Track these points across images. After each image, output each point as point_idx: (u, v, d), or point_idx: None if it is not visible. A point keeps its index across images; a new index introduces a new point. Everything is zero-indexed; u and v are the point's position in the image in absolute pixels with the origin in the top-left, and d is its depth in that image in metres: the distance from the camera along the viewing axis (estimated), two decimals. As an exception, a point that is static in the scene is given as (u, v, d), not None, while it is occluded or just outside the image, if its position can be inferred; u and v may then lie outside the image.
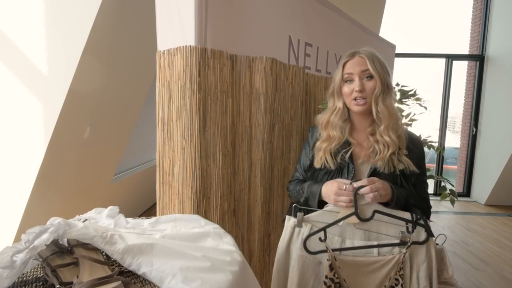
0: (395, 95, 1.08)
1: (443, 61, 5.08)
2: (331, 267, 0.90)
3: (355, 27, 2.49)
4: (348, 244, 0.98)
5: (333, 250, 0.92)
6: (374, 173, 1.02)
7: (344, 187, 0.96)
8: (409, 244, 0.93)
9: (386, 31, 5.54)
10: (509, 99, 4.51)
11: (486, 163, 4.88)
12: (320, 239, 0.90)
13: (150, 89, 2.74)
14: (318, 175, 1.09)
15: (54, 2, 1.73)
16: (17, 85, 1.81)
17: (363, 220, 0.92)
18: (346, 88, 1.05)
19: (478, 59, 5.05)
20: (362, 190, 0.92)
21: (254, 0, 1.51)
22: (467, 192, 5.17)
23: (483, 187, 4.89)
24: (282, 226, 1.06)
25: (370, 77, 1.01)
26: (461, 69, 5.26)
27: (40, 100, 1.83)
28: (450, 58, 5.05)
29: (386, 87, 1.03)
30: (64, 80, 1.79)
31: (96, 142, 2.35)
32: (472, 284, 2.50)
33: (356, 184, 0.94)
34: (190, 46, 1.26)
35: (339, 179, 1.01)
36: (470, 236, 3.53)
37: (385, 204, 0.97)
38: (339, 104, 1.08)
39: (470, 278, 2.59)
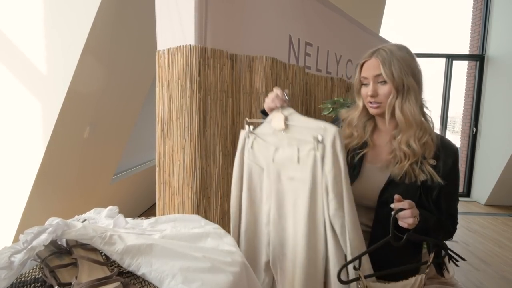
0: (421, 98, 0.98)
1: (443, 61, 5.08)
2: None
3: (355, 27, 2.49)
4: (280, 152, 0.96)
5: (366, 277, 0.85)
6: (392, 182, 0.95)
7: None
8: (429, 263, 0.89)
9: (386, 31, 5.54)
10: (509, 99, 4.51)
11: (486, 163, 4.88)
12: (354, 267, 0.84)
13: (150, 88, 2.73)
14: None
15: (53, 2, 1.73)
16: (16, 85, 1.81)
17: (397, 245, 0.83)
18: (363, 91, 1.00)
19: (478, 59, 5.04)
20: (402, 214, 0.82)
21: (254, -1, 1.50)
22: (467, 192, 5.17)
23: (483, 187, 4.88)
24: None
25: (384, 81, 0.94)
26: (461, 69, 5.26)
27: (39, 99, 1.82)
28: (450, 58, 5.05)
29: (406, 90, 0.93)
30: (63, 80, 1.79)
31: (95, 142, 2.35)
32: (473, 284, 2.49)
33: (394, 205, 0.85)
34: (190, 45, 1.25)
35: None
36: (470, 236, 3.52)
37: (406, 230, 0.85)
38: (360, 104, 1.03)
39: (471, 278, 2.59)
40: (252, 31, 1.50)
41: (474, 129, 5.06)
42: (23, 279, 0.64)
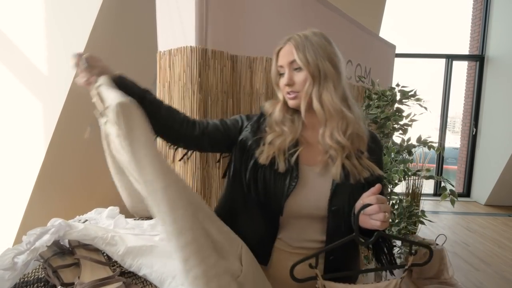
0: (343, 84, 0.88)
1: (443, 61, 5.09)
2: None
3: (355, 27, 2.49)
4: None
5: (324, 277, 0.77)
6: (338, 187, 0.85)
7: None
8: (407, 267, 0.80)
9: (386, 31, 5.55)
10: (509, 99, 4.52)
11: (486, 163, 4.88)
12: (310, 265, 0.76)
13: (150, 89, 2.74)
14: (260, 172, 0.86)
15: (55, 2, 1.73)
16: (17, 85, 1.81)
17: (363, 243, 0.76)
18: (280, 82, 0.90)
19: (478, 59, 5.05)
20: (368, 210, 0.71)
21: (254, 0, 1.51)
22: (467, 192, 5.17)
23: (483, 187, 4.89)
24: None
25: (300, 68, 0.85)
26: (461, 69, 5.27)
27: (40, 100, 1.83)
28: (450, 58, 5.06)
29: (323, 78, 0.85)
30: (64, 80, 1.79)
31: (96, 142, 2.35)
32: (472, 285, 2.50)
33: (359, 203, 0.76)
34: (191, 46, 1.26)
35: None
36: (470, 236, 3.53)
37: (369, 233, 0.75)
38: (280, 96, 0.92)
39: (471, 278, 2.59)
40: (252, 32, 1.51)
41: (474, 129, 5.07)
42: (26, 279, 0.64)
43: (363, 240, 0.75)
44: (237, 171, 0.91)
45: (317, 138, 0.89)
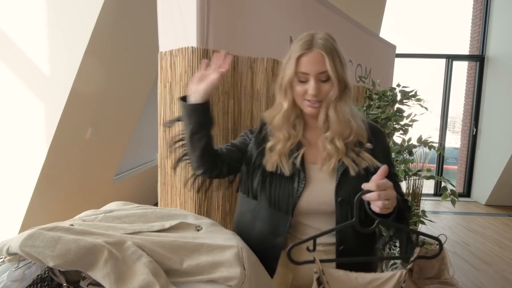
0: (350, 94, 0.90)
1: (443, 61, 5.09)
2: (319, 282, 0.77)
3: (355, 28, 2.50)
4: None
5: (322, 261, 0.78)
6: (341, 180, 0.87)
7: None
8: (413, 259, 0.79)
9: (387, 32, 5.55)
10: (509, 99, 4.52)
11: (486, 163, 4.88)
12: (308, 248, 0.77)
13: (152, 89, 2.74)
14: (269, 179, 0.91)
15: (56, 2, 1.74)
16: (19, 86, 1.82)
17: (364, 231, 0.76)
18: (299, 88, 0.87)
19: (478, 59, 5.05)
20: (368, 196, 0.72)
21: (255, 1, 1.51)
22: (467, 192, 5.17)
23: (483, 187, 4.89)
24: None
25: (327, 79, 0.85)
26: (461, 69, 5.27)
27: (42, 100, 1.83)
28: (450, 58, 5.06)
29: (344, 88, 0.87)
30: (66, 81, 1.80)
31: (97, 142, 2.36)
32: (473, 285, 2.50)
33: (363, 186, 0.75)
34: (192, 47, 1.26)
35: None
36: (470, 236, 3.53)
37: (384, 216, 0.76)
38: (285, 104, 0.91)
39: (471, 278, 2.60)
40: (253, 33, 1.51)
41: (474, 129, 5.07)
42: (30, 278, 0.65)
43: (363, 229, 0.76)
44: (246, 183, 0.96)
45: (319, 138, 0.92)
